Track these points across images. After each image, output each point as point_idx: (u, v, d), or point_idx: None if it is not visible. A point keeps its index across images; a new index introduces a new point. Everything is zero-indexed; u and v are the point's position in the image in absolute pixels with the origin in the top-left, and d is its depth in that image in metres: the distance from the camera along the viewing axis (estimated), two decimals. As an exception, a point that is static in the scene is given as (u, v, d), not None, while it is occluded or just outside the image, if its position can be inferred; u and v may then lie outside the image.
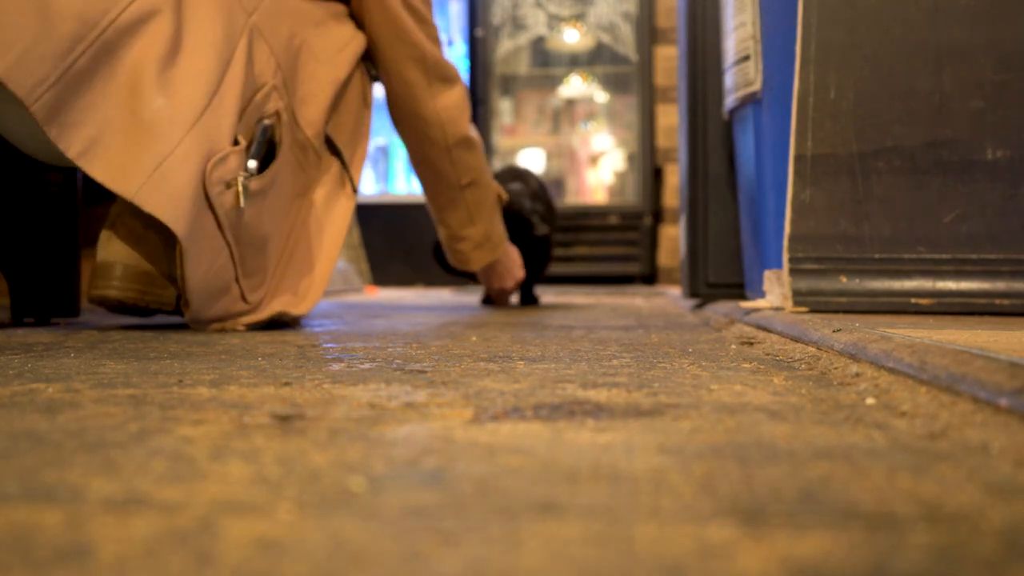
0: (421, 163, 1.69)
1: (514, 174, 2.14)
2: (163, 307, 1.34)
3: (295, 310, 1.37)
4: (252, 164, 1.28)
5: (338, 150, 1.50)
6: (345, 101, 1.50)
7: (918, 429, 0.52)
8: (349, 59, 1.47)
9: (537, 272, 2.13)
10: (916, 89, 1.36)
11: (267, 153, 1.33)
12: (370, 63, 1.61)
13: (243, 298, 1.31)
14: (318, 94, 1.42)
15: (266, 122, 1.31)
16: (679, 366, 0.84)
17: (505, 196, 1.87)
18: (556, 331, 1.29)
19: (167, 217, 1.17)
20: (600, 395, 0.65)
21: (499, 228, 1.84)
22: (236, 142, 1.27)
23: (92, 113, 1.17)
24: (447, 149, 1.64)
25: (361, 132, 1.56)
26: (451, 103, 1.62)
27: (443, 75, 1.60)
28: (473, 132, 1.68)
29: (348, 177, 1.53)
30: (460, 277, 2.11)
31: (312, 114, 1.41)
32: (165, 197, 1.17)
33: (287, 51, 1.36)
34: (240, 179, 1.24)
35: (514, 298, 2.28)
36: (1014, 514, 0.35)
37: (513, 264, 1.97)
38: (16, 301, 1.40)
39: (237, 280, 1.30)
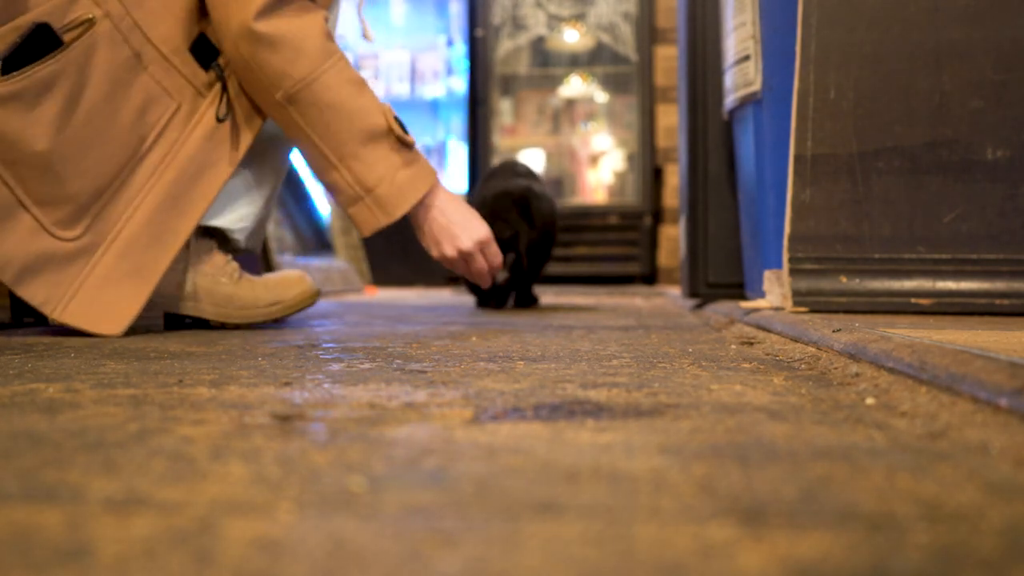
0: (221, 46, 1.32)
1: (508, 166, 2.06)
2: None
3: (110, 327, 1.21)
4: None
5: (223, 75, 1.31)
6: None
7: (918, 429, 0.52)
8: None
9: (536, 267, 1.98)
10: (916, 89, 1.36)
11: (33, 55, 1.17)
12: None
13: (47, 231, 1.19)
14: (170, 3, 1.26)
15: (40, 21, 1.17)
16: (679, 366, 0.84)
17: (409, 138, 1.35)
18: (556, 331, 1.29)
19: None
20: (600, 395, 0.65)
21: (386, 176, 1.32)
22: None
23: None
24: (233, 42, 1.27)
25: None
26: None
27: None
28: (273, 27, 1.26)
29: (233, 116, 1.32)
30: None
31: (168, 28, 1.26)
32: None
33: None
34: None
35: (510, 301, 2.15)
36: (1014, 514, 0.35)
37: (453, 221, 1.43)
38: (16, 301, 1.39)
39: (24, 207, 1.18)
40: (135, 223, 1.25)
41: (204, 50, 1.30)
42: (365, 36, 1.57)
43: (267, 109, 1.33)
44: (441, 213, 1.42)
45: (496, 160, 4.34)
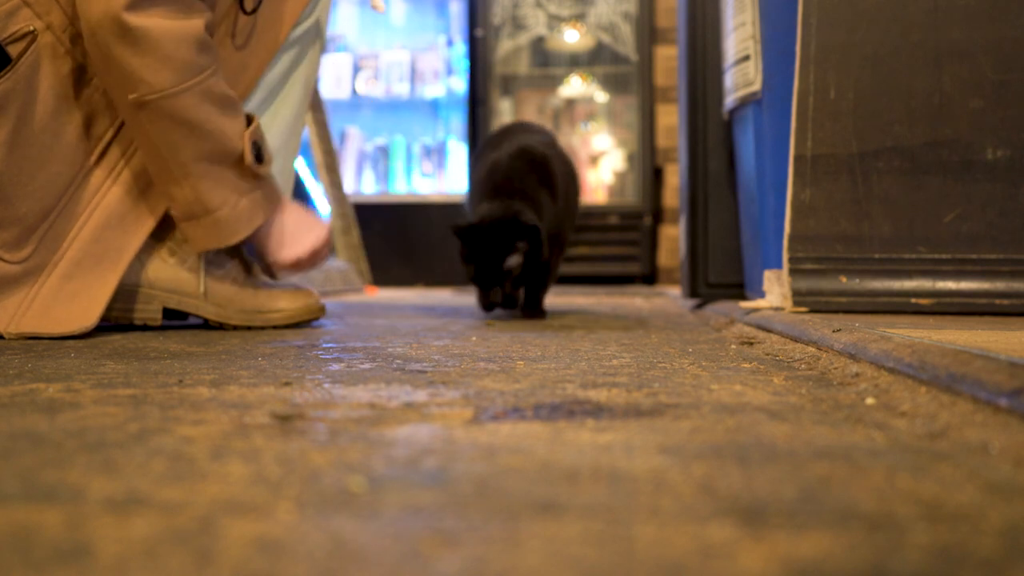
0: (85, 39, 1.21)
1: (520, 125, 1.76)
2: None
3: (82, 322, 1.19)
4: None
5: None
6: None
7: (918, 429, 0.52)
8: None
9: (544, 272, 1.64)
10: (916, 89, 1.36)
11: None
12: None
13: None
14: None
15: None
16: (679, 366, 0.84)
17: (262, 171, 1.30)
18: (556, 331, 1.29)
19: None
20: (600, 395, 0.65)
21: (229, 200, 1.27)
22: None
23: None
24: (91, 29, 1.16)
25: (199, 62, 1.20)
26: None
27: None
28: (145, 21, 1.15)
29: None
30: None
31: None
32: None
33: None
34: None
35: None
36: (1014, 514, 0.35)
37: (292, 229, 1.39)
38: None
39: None
40: (80, 241, 1.22)
41: None
42: (374, 5, 1.52)
43: (116, 103, 1.23)
44: (278, 230, 1.37)
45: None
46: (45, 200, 1.20)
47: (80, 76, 1.22)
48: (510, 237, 1.43)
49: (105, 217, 1.24)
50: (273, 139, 1.42)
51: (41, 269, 1.21)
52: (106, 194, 1.24)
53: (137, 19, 1.14)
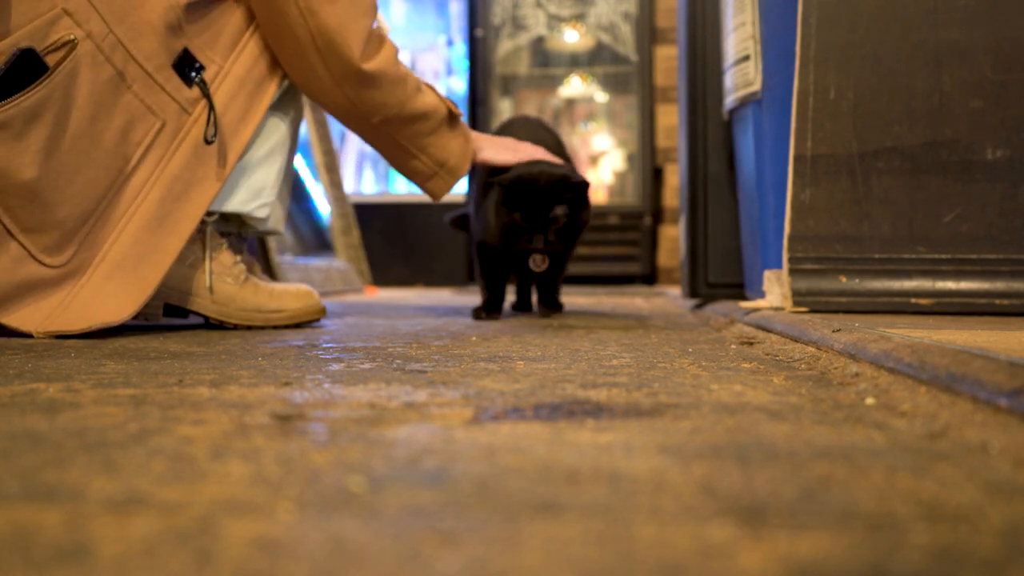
0: (316, 98, 1.43)
1: (524, 120, 1.81)
2: None
3: (118, 315, 1.21)
4: None
5: (208, 93, 1.30)
6: (214, 25, 1.31)
7: (918, 429, 0.52)
8: None
9: (560, 262, 1.70)
10: (916, 89, 1.36)
11: (17, 81, 1.15)
12: None
13: (34, 258, 1.19)
14: (152, 19, 1.23)
15: (23, 46, 1.14)
16: (679, 366, 0.84)
17: (458, 111, 1.54)
18: (556, 331, 1.29)
19: None
20: (600, 395, 0.65)
21: (451, 150, 1.53)
22: None
23: None
24: (336, 83, 1.37)
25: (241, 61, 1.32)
26: (332, 22, 1.32)
27: None
28: (376, 64, 1.37)
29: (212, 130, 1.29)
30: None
31: (150, 45, 1.24)
32: None
33: None
34: None
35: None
36: (1014, 514, 0.35)
37: (500, 147, 1.62)
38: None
39: (12, 235, 1.17)
40: (121, 244, 1.24)
41: (187, 66, 1.28)
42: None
43: (357, 129, 1.47)
44: (489, 149, 1.62)
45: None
46: (84, 205, 1.22)
47: (119, 83, 1.23)
48: (560, 189, 1.50)
49: (145, 220, 1.26)
50: (267, 142, 1.43)
51: (81, 272, 1.22)
52: (145, 198, 1.26)
53: (371, 64, 1.37)
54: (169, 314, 1.38)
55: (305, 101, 1.56)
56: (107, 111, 1.22)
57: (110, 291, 1.22)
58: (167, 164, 1.28)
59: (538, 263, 1.59)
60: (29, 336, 1.19)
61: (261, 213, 1.42)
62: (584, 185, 1.51)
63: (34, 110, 1.16)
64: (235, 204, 1.38)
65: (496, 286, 1.67)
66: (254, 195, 1.41)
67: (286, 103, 1.46)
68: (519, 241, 1.52)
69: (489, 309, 1.65)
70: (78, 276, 1.22)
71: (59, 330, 1.19)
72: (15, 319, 1.18)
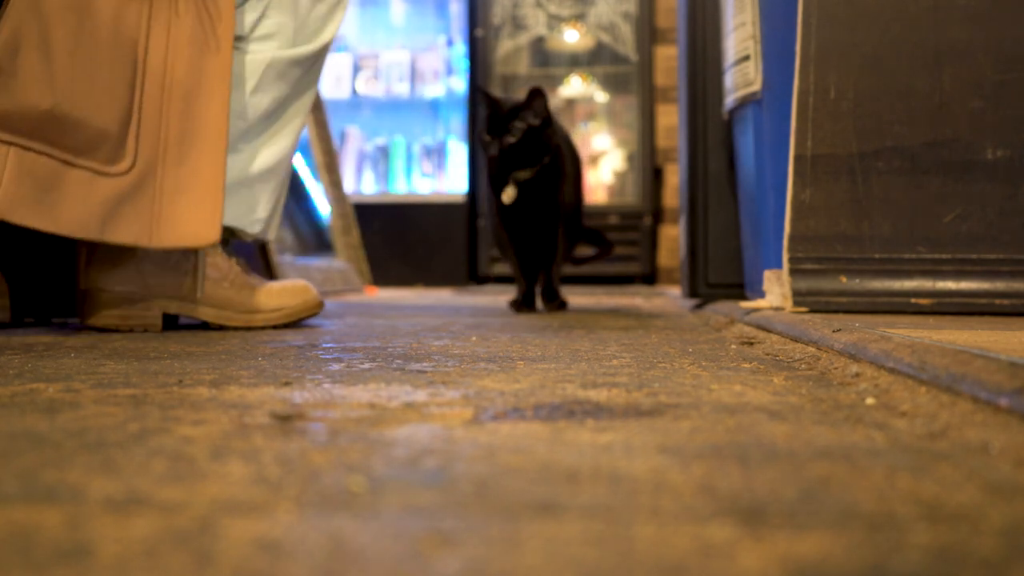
0: None
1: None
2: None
3: (204, 237, 1.22)
4: None
5: None
6: None
7: (918, 429, 0.52)
8: None
9: (551, 242, 1.80)
10: (916, 89, 1.36)
11: None
12: None
13: (102, 174, 1.18)
14: None
15: None
16: (679, 366, 0.84)
17: None
18: (556, 331, 1.29)
19: None
20: (600, 395, 0.65)
21: None
22: None
23: None
24: None
25: None
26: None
27: None
28: None
29: (208, 15, 1.25)
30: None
31: None
32: None
33: None
34: None
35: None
36: (1014, 514, 0.35)
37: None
38: (16, 301, 1.39)
39: (69, 163, 1.16)
40: (173, 131, 1.22)
41: None
42: None
43: None
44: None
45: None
46: (117, 106, 1.19)
47: None
48: (526, 109, 1.66)
49: (183, 93, 1.23)
50: (267, 160, 1.42)
51: (153, 168, 1.21)
52: (172, 75, 1.23)
53: None
54: (169, 324, 1.38)
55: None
56: (87, 9, 1.18)
57: (185, 177, 1.22)
58: (177, 36, 1.24)
59: (510, 195, 1.69)
60: (29, 336, 1.19)
61: (254, 229, 1.42)
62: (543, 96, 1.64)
63: (12, 43, 1.13)
64: (229, 219, 1.39)
65: (525, 277, 1.83)
66: (249, 209, 1.41)
67: (294, 113, 1.45)
68: (488, 148, 1.68)
69: (523, 304, 1.82)
70: (152, 172, 1.21)
71: (169, 245, 1.20)
72: (120, 235, 1.19)
